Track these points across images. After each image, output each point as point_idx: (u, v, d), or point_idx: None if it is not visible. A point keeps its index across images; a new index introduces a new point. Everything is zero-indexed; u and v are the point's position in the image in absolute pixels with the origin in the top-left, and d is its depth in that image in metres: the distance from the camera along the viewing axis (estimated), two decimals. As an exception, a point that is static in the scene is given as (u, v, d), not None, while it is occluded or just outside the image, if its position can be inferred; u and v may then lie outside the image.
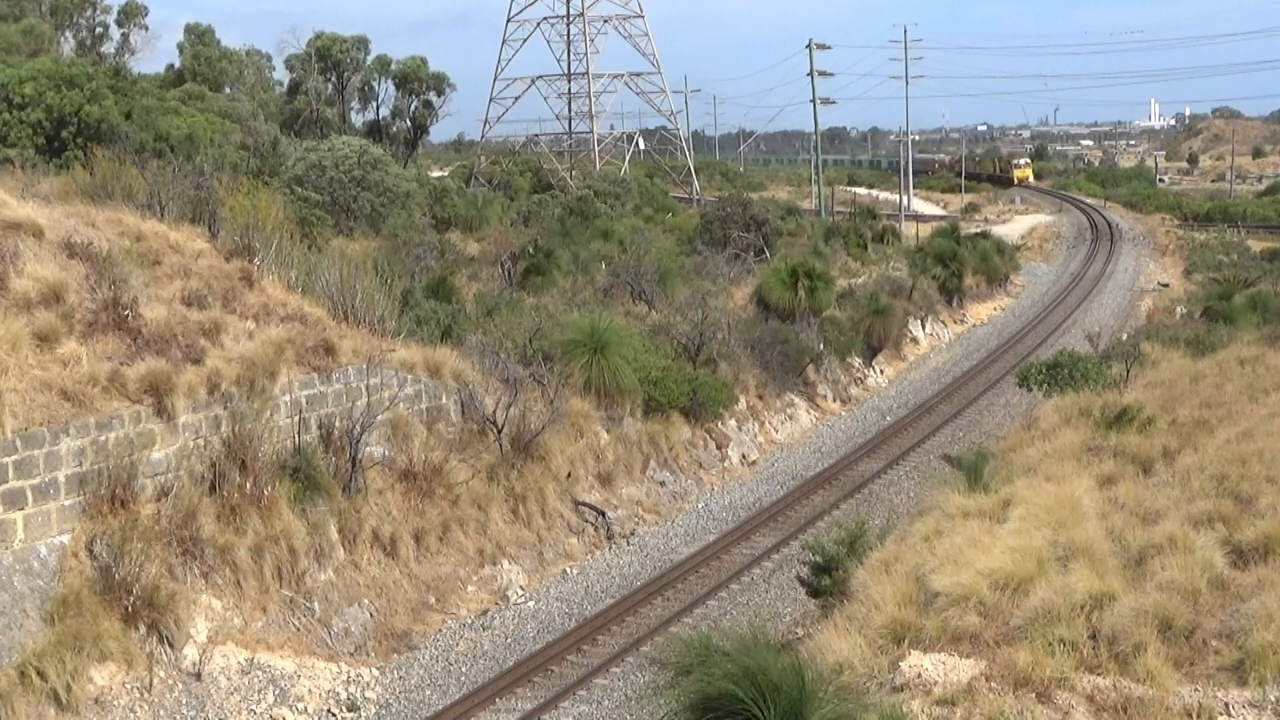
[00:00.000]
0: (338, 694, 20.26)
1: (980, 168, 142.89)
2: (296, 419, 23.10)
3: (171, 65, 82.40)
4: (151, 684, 18.73)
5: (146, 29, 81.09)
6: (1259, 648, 12.54)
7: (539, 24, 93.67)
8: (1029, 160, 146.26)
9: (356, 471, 23.50)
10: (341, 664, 21.01)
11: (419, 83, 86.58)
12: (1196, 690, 12.26)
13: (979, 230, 76.65)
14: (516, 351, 30.31)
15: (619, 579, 25.86)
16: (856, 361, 44.04)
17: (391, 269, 31.96)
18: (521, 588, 24.93)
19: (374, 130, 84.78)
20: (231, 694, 19.40)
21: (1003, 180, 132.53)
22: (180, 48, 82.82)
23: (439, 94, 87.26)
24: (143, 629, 18.98)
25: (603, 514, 28.20)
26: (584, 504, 28.28)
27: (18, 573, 18.20)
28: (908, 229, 76.65)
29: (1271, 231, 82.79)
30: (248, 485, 21.27)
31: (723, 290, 43.96)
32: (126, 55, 79.05)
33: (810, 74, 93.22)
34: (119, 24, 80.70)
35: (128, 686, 18.49)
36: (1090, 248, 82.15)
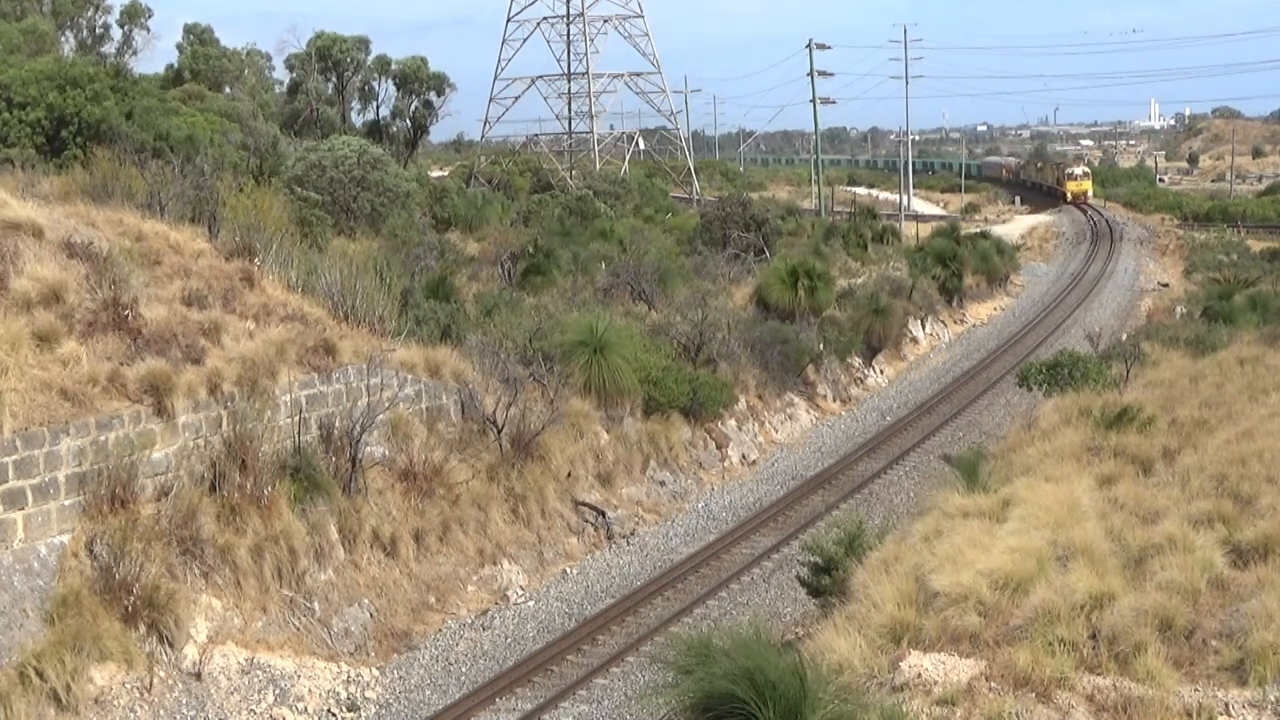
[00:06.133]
0: (338, 694, 20.26)
1: (1042, 176, 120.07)
2: (296, 419, 23.10)
3: (171, 65, 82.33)
4: (151, 684, 18.73)
5: (148, 30, 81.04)
6: (1259, 648, 12.54)
7: (539, 24, 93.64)
8: (1088, 170, 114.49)
9: (356, 471, 23.50)
10: (341, 664, 21.01)
11: (419, 83, 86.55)
12: (1196, 690, 12.25)
13: (979, 230, 76.67)
14: (516, 351, 30.31)
15: (619, 579, 25.86)
16: (856, 361, 44.04)
17: (391, 269, 31.94)
18: (521, 588, 24.93)
19: (374, 130, 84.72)
20: (231, 694, 19.40)
21: (1056, 193, 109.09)
22: (180, 47, 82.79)
23: (439, 94, 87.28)
24: (143, 629, 18.98)
25: (603, 514, 28.20)
26: (584, 504, 28.28)
27: (18, 573, 18.20)
28: (908, 229, 76.65)
29: (1271, 231, 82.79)
30: (248, 485, 21.27)
31: (723, 290, 43.97)
32: (128, 55, 78.99)
33: (810, 74, 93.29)
34: (120, 24, 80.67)
35: (128, 686, 18.49)
36: (1090, 248, 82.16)
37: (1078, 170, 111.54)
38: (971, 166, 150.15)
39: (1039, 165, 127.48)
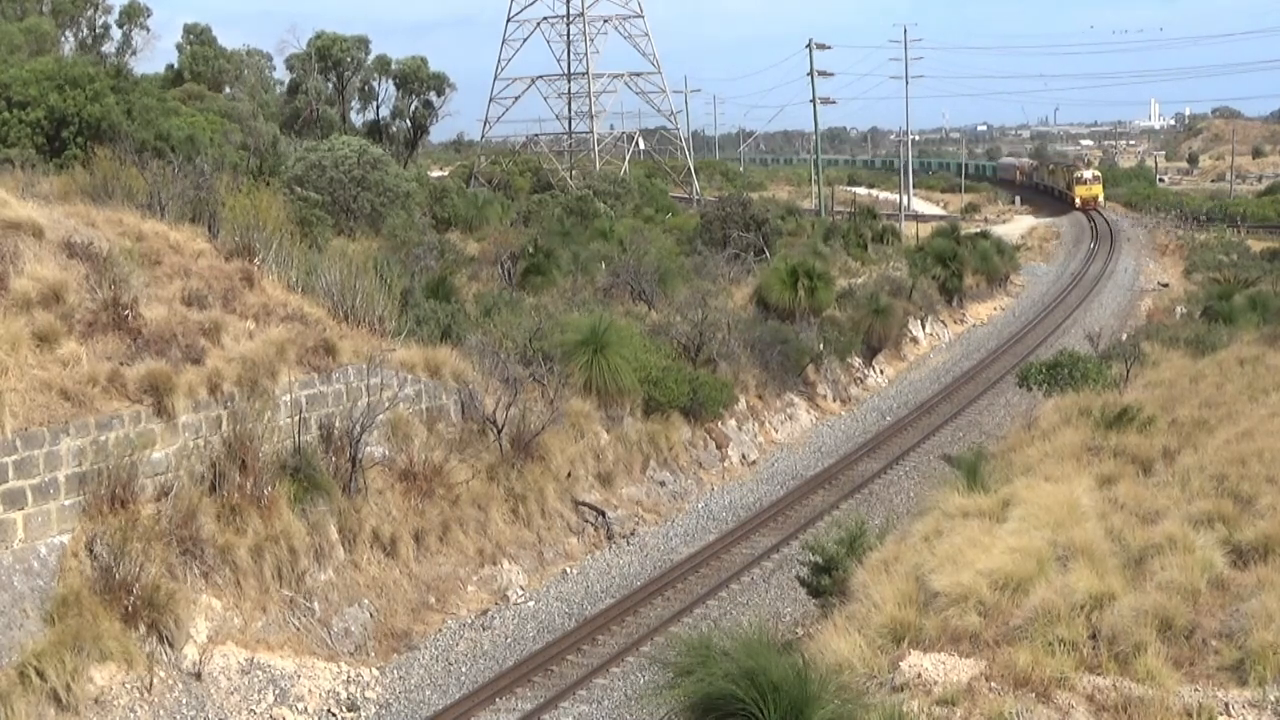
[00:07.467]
0: (338, 694, 20.26)
1: (1053, 179, 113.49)
2: (296, 419, 23.09)
3: (171, 65, 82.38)
4: (151, 684, 18.73)
5: (148, 29, 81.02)
6: (1259, 648, 12.53)
7: (539, 24, 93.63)
8: (1098, 174, 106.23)
9: (356, 471, 23.50)
10: (341, 664, 21.01)
11: (419, 83, 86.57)
12: (1196, 690, 12.25)
13: (979, 230, 76.68)
14: (516, 351, 30.31)
15: (619, 579, 25.86)
16: (856, 361, 44.03)
17: (391, 269, 31.95)
18: (521, 588, 24.93)
19: (374, 130, 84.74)
20: (231, 694, 19.40)
21: (1066, 198, 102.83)
22: (179, 48, 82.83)
23: (439, 94, 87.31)
24: (143, 629, 18.98)
25: (603, 514, 28.20)
26: (584, 504, 28.28)
27: (18, 573, 18.20)
28: (908, 229, 76.66)
29: (1271, 231, 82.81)
30: (248, 485, 21.27)
31: (723, 290, 43.97)
32: (128, 55, 78.98)
33: (810, 74, 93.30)
34: (120, 24, 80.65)
35: (128, 686, 18.49)
36: (1090, 247, 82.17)
37: (1087, 174, 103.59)
38: (986, 168, 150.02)
39: (1050, 168, 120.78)
